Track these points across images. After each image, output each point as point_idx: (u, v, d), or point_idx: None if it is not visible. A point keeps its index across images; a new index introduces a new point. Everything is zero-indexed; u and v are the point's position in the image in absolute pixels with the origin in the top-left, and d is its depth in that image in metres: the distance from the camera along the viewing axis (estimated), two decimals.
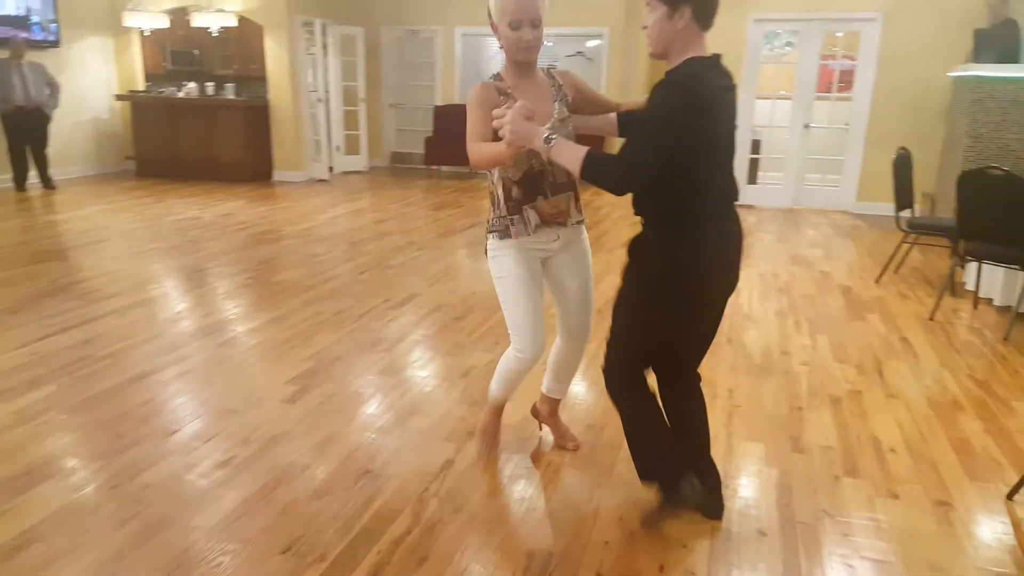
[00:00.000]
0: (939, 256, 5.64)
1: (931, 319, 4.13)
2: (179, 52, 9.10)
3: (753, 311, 4.26)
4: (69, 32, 8.62)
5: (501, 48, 2.16)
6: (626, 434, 2.22)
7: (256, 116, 8.93)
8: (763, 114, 8.05)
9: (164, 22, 8.91)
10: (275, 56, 8.79)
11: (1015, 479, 2.40)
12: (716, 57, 1.96)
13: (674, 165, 1.84)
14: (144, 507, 2.23)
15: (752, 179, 8.18)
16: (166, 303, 4.29)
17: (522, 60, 2.13)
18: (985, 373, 3.38)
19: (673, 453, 2.18)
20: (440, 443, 2.66)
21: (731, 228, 2.04)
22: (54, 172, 8.14)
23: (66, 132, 8.65)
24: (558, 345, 2.48)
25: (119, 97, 9.30)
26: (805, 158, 7.90)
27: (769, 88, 8.12)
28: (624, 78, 9.83)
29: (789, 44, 9.64)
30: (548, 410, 2.65)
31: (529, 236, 2.21)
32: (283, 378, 3.21)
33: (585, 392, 3.14)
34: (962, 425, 2.85)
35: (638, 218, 2.03)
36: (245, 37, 8.82)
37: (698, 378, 2.23)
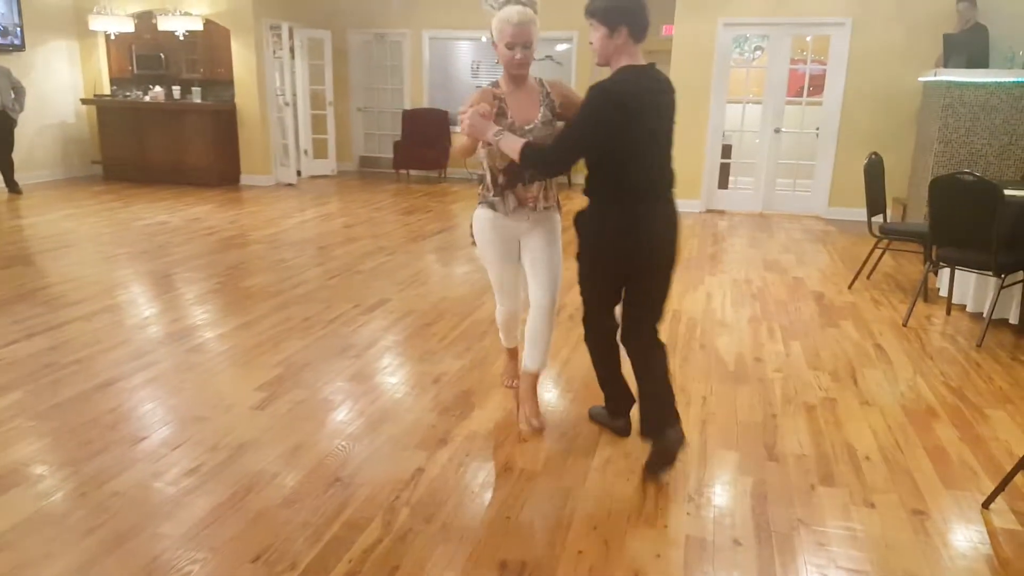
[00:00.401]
0: (911, 262, 5.72)
1: (904, 325, 4.17)
2: (145, 56, 8.94)
3: (726, 317, 4.27)
4: (33, 36, 8.43)
5: (499, 63, 2.58)
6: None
7: (223, 120, 8.80)
8: (733, 118, 8.11)
9: (130, 26, 8.76)
10: (242, 60, 8.68)
11: (991, 487, 2.41)
12: (650, 65, 2.37)
13: (600, 154, 2.35)
14: (112, 515, 2.18)
15: (723, 184, 8.23)
16: (133, 309, 4.18)
17: (515, 74, 2.57)
18: (959, 380, 3.41)
19: (618, 390, 2.75)
20: (411, 451, 2.61)
21: (660, 208, 2.46)
22: (20, 176, 7.94)
23: (32, 136, 8.45)
24: (530, 312, 2.74)
25: (85, 101, 9.11)
26: (776, 163, 7.98)
27: (739, 92, 8.19)
28: (593, 80, 9.87)
29: (759, 48, 9.75)
30: (527, 386, 2.86)
31: (507, 215, 2.67)
32: (252, 384, 3.14)
33: (558, 400, 3.12)
34: (937, 433, 2.87)
35: None
36: (211, 41, 8.70)
37: (655, 336, 2.58)
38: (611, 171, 2.38)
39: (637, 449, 2.64)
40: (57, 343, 3.55)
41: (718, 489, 2.42)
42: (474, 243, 2.82)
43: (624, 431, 2.78)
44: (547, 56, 10.50)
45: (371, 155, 10.72)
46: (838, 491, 2.42)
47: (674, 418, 2.49)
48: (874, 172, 4.84)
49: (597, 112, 2.29)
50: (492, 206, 2.68)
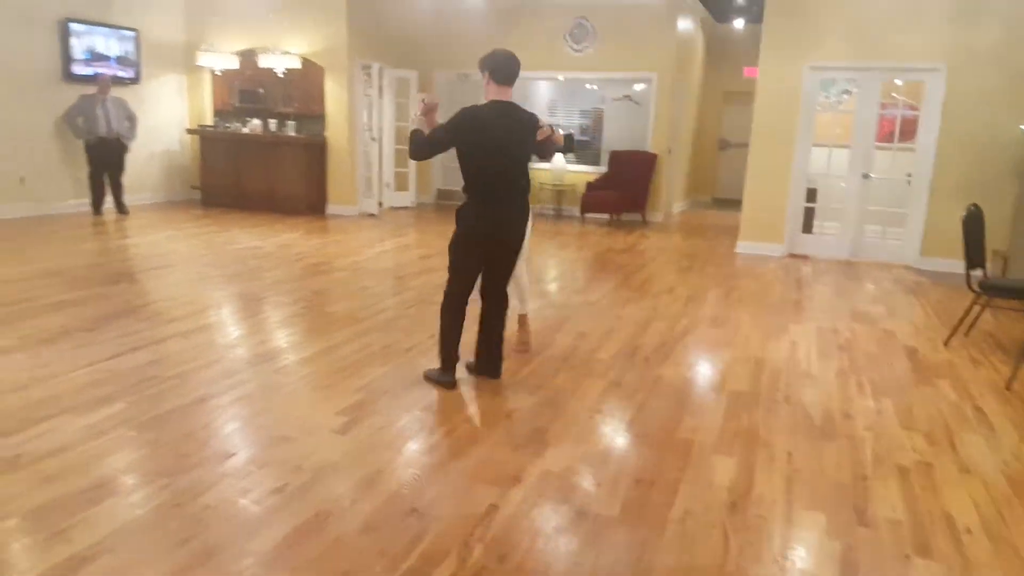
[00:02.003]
0: (1014, 320, 5.37)
1: (1008, 388, 3.91)
2: (246, 91, 9.51)
3: (812, 369, 4.12)
4: (148, 70, 9.13)
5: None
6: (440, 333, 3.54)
7: (314, 152, 9.23)
8: (819, 162, 7.89)
9: (234, 63, 9.35)
10: (334, 96, 9.11)
11: None
12: (510, 103, 3.36)
13: (461, 156, 3.33)
14: (203, 528, 2.27)
15: (807, 228, 7.99)
16: (226, 328, 4.39)
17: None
18: None
19: (457, 348, 3.53)
20: (484, 486, 2.62)
21: (513, 206, 3.44)
22: (127, 198, 8.53)
23: (140, 162, 9.09)
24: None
25: (189, 131, 9.75)
26: (864, 209, 7.70)
27: (825, 136, 7.99)
28: (672, 119, 9.86)
29: (846, 92, 9.51)
30: (519, 325, 4.17)
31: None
32: (334, 408, 3.23)
33: (632, 444, 3.06)
34: None
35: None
36: (307, 78, 9.18)
37: (504, 296, 3.62)
38: (474, 176, 3.34)
39: (719, 502, 2.57)
40: (158, 357, 3.76)
41: (804, 553, 2.31)
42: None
43: (453, 385, 3.52)
44: (625, 96, 10.58)
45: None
46: (936, 565, 2.27)
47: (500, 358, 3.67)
48: (974, 224, 4.61)
49: (458, 121, 3.26)
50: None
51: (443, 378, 3.54)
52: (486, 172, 3.34)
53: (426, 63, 10.35)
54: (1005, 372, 4.11)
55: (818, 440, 3.16)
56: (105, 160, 8.15)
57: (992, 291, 4.55)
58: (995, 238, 6.45)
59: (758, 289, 6.12)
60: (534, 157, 3.51)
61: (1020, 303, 4.61)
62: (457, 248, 3.46)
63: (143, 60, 9.00)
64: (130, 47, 8.82)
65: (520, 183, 3.43)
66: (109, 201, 8.36)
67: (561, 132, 3.59)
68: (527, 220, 3.53)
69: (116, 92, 8.25)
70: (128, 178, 8.52)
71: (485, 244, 3.43)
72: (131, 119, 8.33)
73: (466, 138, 3.27)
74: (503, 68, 3.29)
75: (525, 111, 3.41)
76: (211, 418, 3.09)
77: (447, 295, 3.51)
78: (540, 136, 3.39)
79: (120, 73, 8.66)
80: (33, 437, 2.81)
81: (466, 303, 3.51)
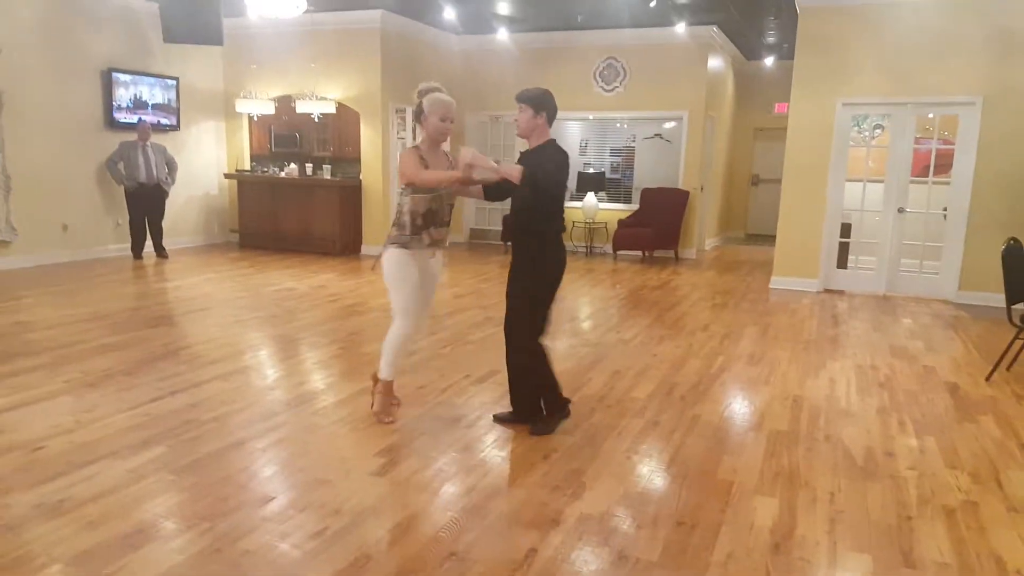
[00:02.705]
0: None
1: None
2: (282, 135, 9.81)
3: (851, 406, 4.05)
4: (188, 117, 9.49)
5: (422, 131, 3.45)
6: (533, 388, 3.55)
7: (349, 194, 9.45)
8: (853, 197, 7.85)
9: (271, 108, 9.67)
10: (369, 140, 9.36)
11: None
12: (554, 140, 3.43)
13: (552, 198, 3.39)
14: (243, 573, 2.29)
15: (842, 263, 7.91)
16: (264, 370, 4.48)
17: (440, 141, 3.47)
18: None
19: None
20: (523, 529, 2.61)
21: (561, 246, 3.48)
22: (166, 242, 8.80)
23: (179, 206, 9.39)
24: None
25: (227, 176, 10.07)
26: (900, 243, 7.61)
27: (859, 170, 7.95)
28: (703, 156, 9.91)
29: (879, 127, 9.48)
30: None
31: (421, 251, 3.43)
32: (371, 450, 3.26)
33: (672, 485, 3.03)
34: None
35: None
36: (342, 122, 9.44)
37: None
38: (556, 216, 3.40)
39: (762, 545, 2.53)
40: (197, 401, 3.84)
41: None
42: (375, 270, 3.75)
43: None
44: (656, 134, 10.67)
45: (481, 227, 11.13)
46: None
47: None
48: (1014, 259, 4.53)
49: (562, 159, 3.34)
50: (405, 245, 3.38)
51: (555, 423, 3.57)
52: (561, 211, 3.44)
53: (458, 106, 10.53)
54: None
55: (860, 480, 3.09)
56: (145, 205, 8.43)
57: None
58: None
59: (794, 325, 6.06)
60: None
61: None
62: (537, 292, 3.43)
63: (183, 107, 9.36)
64: (171, 95, 9.18)
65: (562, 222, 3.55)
66: (149, 245, 8.64)
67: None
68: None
69: (157, 139, 8.58)
70: (167, 222, 8.81)
71: (555, 286, 3.48)
72: (171, 165, 8.63)
73: (563, 177, 3.37)
74: (553, 108, 3.39)
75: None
76: (249, 461, 3.13)
77: (523, 350, 3.46)
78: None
79: (162, 120, 9.02)
80: (77, 482, 2.87)
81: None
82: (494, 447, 3.37)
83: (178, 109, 9.29)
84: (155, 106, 8.95)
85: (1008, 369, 4.78)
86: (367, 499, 2.79)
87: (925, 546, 2.56)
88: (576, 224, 10.02)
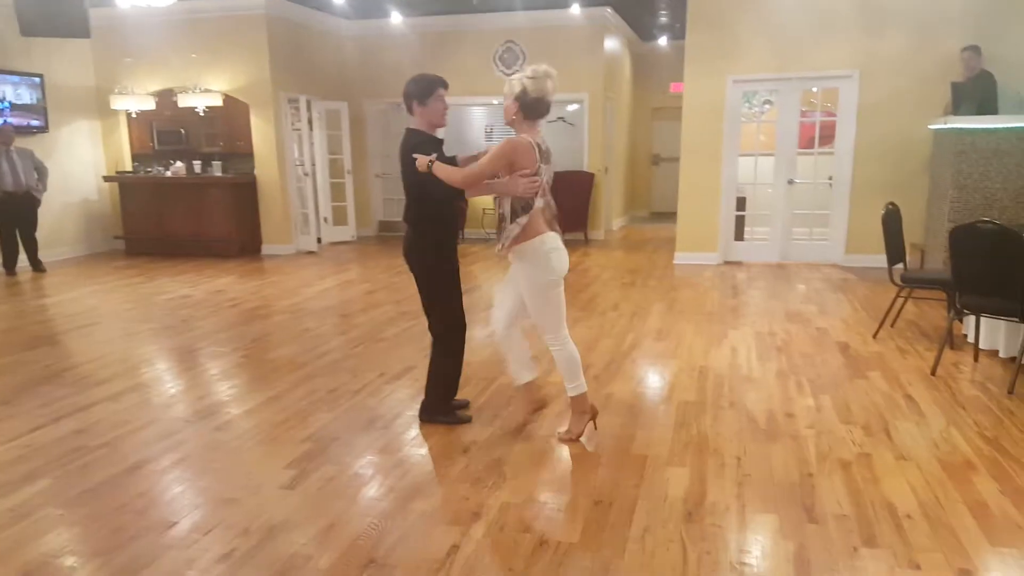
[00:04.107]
0: (934, 308, 5.67)
1: (933, 374, 4.11)
2: (165, 132, 9.23)
3: (753, 372, 4.23)
4: (57, 117, 8.75)
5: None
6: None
7: (243, 192, 9.02)
8: (746, 171, 8.20)
9: (151, 104, 9.07)
10: (261, 133, 8.95)
11: None
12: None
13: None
14: None
15: (739, 235, 8.27)
16: (160, 386, 4.21)
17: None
18: (994, 429, 3.34)
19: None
20: (444, 527, 2.57)
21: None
22: (44, 254, 8.13)
23: (55, 214, 8.68)
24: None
25: (107, 178, 9.37)
26: (791, 213, 8.02)
27: (751, 145, 8.31)
28: (606, 138, 10.09)
29: (768, 102, 9.92)
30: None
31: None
32: (281, 462, 3.12)
33: (589, 465, 3.07)
34: (977, 487, 2.80)
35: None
36: (231, 115, 8.98)
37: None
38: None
39: (676, 515, 2.59)
40: (85, 426, 3.56)
41: (759, 555, 2.36)
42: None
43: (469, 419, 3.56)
44: (559, 118, 10.75)
45: (390, 220, 10.91)
46: (882, 552, 2.35)
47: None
48: (892, 222, 4.85)
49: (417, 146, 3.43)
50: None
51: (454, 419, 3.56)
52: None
53: (355, 94, 10.28)
54: (929, 359, 4.31)
55: (764, 442, 3.24)
56: (14, 216, 7.75)
57: (913, 283, 4.79)
58: (912, 233, 6.80)
59: (697, 298, 6.27)
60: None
61: (939, 292, 4.86)
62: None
63: (50, 106, 8.63)
64: (36, 94, 8.44)
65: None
66: (23, 260, 7.95)
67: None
68: (412, 247, 3.70)
69: (22, 142, 7.88)
70: (42, 233, 8.12)
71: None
72: (40, 170, 7.95)
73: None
74: (416, 92, 3.62)
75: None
76: (147, 486, 2.93)
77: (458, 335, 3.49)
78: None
79: (32, 122, 8.28)
80: None
81: None
82: (413, 445, 3.31)
83: (45, 109, 8.56)
84: (17, 107, 8.21)
85: (892, 326, 5.14)
86: (278, 514, 2.67)
87: (825, 500, 2.70)
88: (487, 211, 9.99)
